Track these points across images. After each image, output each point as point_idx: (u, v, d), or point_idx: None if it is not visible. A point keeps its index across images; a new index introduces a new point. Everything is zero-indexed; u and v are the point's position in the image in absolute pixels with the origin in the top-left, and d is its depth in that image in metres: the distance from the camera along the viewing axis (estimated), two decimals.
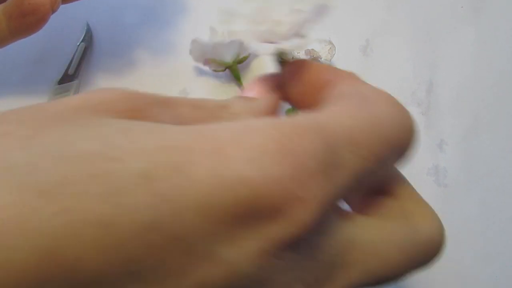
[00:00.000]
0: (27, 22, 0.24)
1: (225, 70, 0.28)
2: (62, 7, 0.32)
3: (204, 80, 0.30)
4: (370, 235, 0.13)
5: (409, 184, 0.16)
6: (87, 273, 0.09)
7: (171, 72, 0.30)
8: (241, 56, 0.28)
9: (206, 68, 0.29)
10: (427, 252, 0.15)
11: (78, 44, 0.30)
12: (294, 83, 0.17)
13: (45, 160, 0.09)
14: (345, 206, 0.16)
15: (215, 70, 0.29)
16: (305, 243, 0.11)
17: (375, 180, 0.14)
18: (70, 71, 0.30)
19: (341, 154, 0.12)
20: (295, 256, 0.11)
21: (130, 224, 0.09)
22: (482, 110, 0.29)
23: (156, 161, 0.10)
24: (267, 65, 0.30)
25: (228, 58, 0.28)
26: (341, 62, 0.30)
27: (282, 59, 0.20)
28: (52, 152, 0.10)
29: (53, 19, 0.32)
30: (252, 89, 0.19)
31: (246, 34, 0.18)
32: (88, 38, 0.31)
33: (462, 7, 0.32)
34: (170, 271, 0.10)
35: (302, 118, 0.12)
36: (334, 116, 0.13)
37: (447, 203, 0.27)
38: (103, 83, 0.30)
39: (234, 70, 0.28)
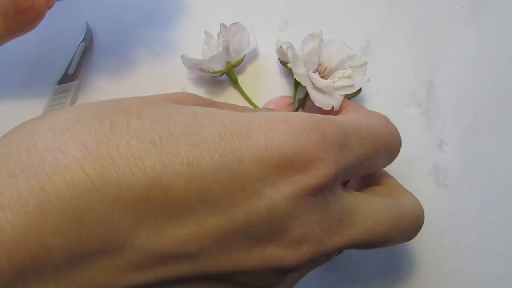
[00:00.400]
0: (23, 20, 0.24)
1: (222, 75, 0.28)
2: (62, 7, 0.32)
3: (204, 81, 0.30)
4: (367, 203, 0.18)
5: (393, 178, 0.22)
6: (175, 196, 0.13)
7: (171, 73, 0.30)
8: (235, 61, 0.28)
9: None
10: (411, 222, 0.19)
11: (78, 44, 0.30)
12: (313, 109, 0.25)
13: (154, 124, 0.14)
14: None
15: (212, 76, 0.29)
16: (323, 195, 0.16)
17: (370, 168, 0.19)
18: (70, 71, 0.30)
19: (351, 141, 0.17)
20: (315, 203, 0.15)
21: (208, 165, 0.14)
22: (482, 110, 0.29)
23: (229, 129, 0.15)
24: (262, 68, 0.30)
25: (219, 67, 0.28)
26: None
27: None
28: (158, 120, 0.14)
29: (53, 19, 0.32)
30: (272, 104, 0.27)
31: (305, 79, 0.26)
32: (88, 38, 0.31)
33: (462, 7, 0.32)
34: (231, 202, 0.14)
35: (327, 116, 0.17)
36: (347, 118, 0.18)
37: (447, 203, 0.27)
38: (103, 83, 0.30)
39: (230, 74, 0.29)
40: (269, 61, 0.30)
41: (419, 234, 0.26)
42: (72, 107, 0.15)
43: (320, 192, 0.15)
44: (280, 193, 0.14)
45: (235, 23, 0.28)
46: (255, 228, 0.14)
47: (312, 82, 0.26)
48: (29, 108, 0.29)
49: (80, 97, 0.29)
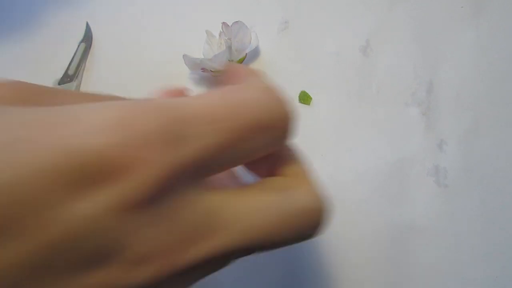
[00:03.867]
0: None
1: None
2: (62, 7, 0.32)
3: (206, 81, 0.30)
4: (241, 203, 0.14)
5: (299, 165, 0.18)
6: None
7: (173, 73, 0.30)
8: (237, 59, 0.28)
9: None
10: (302, 220, 0.16)
11: (78, 44, 0.30)
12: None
13: None
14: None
15: (214, 75, 0.29)
16: (158, 204, 0.12)
17: (248, 153, 0.15)
18: (70, 71, 0.29)
19: (194, 130, 0.13)
20: (147, 216, 0.12)
21: None
22: (482, 110, 0.29)
23: (16, 135, 0.11)
24: (264, 67, 0.30)
25: (221, 66, 0.28)
26: (341, 62, 0.30)
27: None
28: None
29: (53, 19, 0.32)
30: (163, 93, 0.22)
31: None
32: (88, 38, 0.31)
33: (462, 7, 0.32)
34: (21, 230, 0.11)
35: (158, 100, 0.13)
36: (196, 100, 0.14)
37: (447, 203, 0.27)
38: (103, 83, 0.30)
39: None
40: (270, 60, 0.30)
41: (420, 234, 0.26)
42: None
43: (151, 200, 0.12)
44: (86, 212, 0.11)
45: (237, 21, 0.28)
46: (67, 252, 0.11)
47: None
48: None
49: None
